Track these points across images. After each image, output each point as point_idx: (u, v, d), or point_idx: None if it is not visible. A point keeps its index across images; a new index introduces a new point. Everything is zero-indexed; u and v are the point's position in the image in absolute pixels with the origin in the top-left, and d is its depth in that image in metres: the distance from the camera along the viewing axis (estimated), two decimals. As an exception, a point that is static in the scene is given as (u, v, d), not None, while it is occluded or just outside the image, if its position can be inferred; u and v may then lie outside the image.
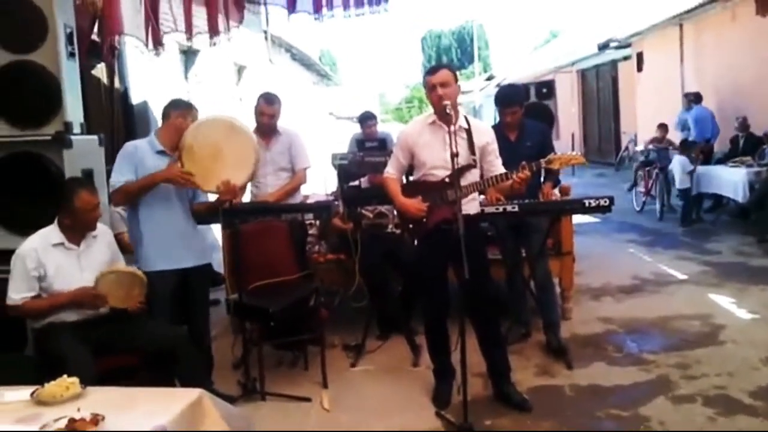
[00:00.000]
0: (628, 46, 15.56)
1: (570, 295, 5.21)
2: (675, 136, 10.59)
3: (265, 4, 5.21)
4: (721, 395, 3.75)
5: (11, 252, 3.35)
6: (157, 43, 5.21)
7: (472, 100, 31.29)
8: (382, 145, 6.81)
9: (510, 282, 4.73)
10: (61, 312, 3.33)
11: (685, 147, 9.61)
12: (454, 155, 3.35)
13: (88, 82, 5.48)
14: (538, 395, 3.86)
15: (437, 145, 3.61)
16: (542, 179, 4.70)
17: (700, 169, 9.22)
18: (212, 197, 3.98)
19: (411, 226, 3.83)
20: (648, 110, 14.49)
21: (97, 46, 5.39)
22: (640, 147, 11.29)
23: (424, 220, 3.67)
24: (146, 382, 3.23)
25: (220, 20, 5.10)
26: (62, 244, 3.36)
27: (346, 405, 3.88)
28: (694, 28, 12.56)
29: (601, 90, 19.10)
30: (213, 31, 5.09)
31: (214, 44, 5.23)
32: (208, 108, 7.23)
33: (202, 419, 2.47)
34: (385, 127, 12.38)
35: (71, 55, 4.01)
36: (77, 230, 3.41)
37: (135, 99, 7.28)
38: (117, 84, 6.93)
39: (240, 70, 11.91)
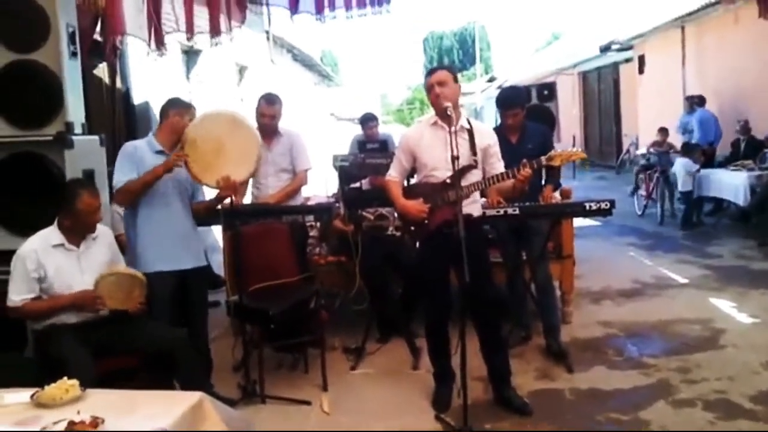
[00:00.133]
0: (630, 48, 15.56)
1: (570, 299, 5.20)
2: (676, 140, 10.58)
3: (267, 4, 5.21)
4: (721, 399, 3.74)
5: (12, 253, 3.34)
6: (160, 44, 5.21)
7: (474, 101, 31.29)
8: (383, 147, 6.79)
9: (510, 285, 4.72)
10: (62, 314, 3.32)
11: (687, 150, 9.61)
12: (455, 157, 3.34)
13: (89, 82, 5.48)
14: (538, 399, 3.85)
15: (438, 145, 3.61)
16: (543, 182, 4.70)
17: (702, 172, 9.20)
18: (211, 194, 3.97)
19: (412, 228, 3.83)
20: (649, 113, 14.48)
21: (99, 45, 5.38)
22: (641, 150, 11.27)
23: (426, 221, 3.67)
24: (146, 383, 3.23)
25: (222, 20, 5.11)
26: (62, 245, 3.36)
27: (345, 408, 3.88)
28: (696, 31, 12.55)
29: (603, 92, 19.09)
30: (215, 31, 5.10)
31: (216, 44, 5.23)
32: (210, 108, 7.23)
33: (202, 422, 2.47)
34: (387, 128, 12.38)
35: (73, 54, 4.02)
36: (77, 232, 3.40)
37: (137, 99, 7.27)
38: (119, 84, 6.92)
39: (241, 70, 11.90)
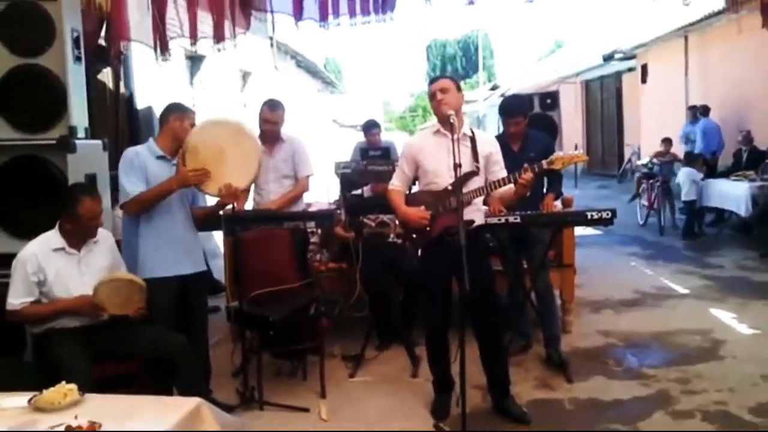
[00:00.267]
0: (633, 57, 15.58)
1: (571, 308, 5.19)
2: (678, 149, 10.59)
3: (271, 11, 5.22)
4: (721, 411, 3.73)
5: (13, 256, 3.34)
6: (164, 49, 5.22)
7: (477, 109, 31.31)
8: (386, 154, 6.77)
9: (511, 293, 4.72)
10: (61, 318, 3.32)
11: (689, 159, 9.61)
12: (457, 165, 3.35)
13: (93, 86, 5.50)
14: (537, 408, 3.84)
15: (441, 153, 3.62)
16: (545, 190, 4.70)
17: (704, 182, 9.21)
18: (211, 201, 3.98)
19: (414, 235, 3.83)
20: (652, 122, 14.49)
21: (104, 50, 5.41)
22: (644, 160, 11.27)
23: (428, 229, 3.67)
24: (144, 389, 3.23)
25: (227, 26, 5.11)
26: (63, 248, 3.36)
27: (344, 415, 3.87)
28: (699, 41, 12.56)
29: (605, 101, 19.11)
30: (219, 37, 5.11)
31: (220, 50, 5.24)
32: (213, 114, 7.24)
33: (199, 428, 2.46)
34: (389, 135, 12.40)
35: (77, 59, 4.03)
36: (78, 236, 3.40)
37: (140, 104, 7.29)
38: (122, 89, 6.95)
39: (245, 76, 11.94)
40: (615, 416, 3.74)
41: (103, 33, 5.38)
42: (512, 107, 4.58)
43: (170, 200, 3.81)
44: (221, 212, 3.99)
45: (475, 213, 3.71)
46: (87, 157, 4.02)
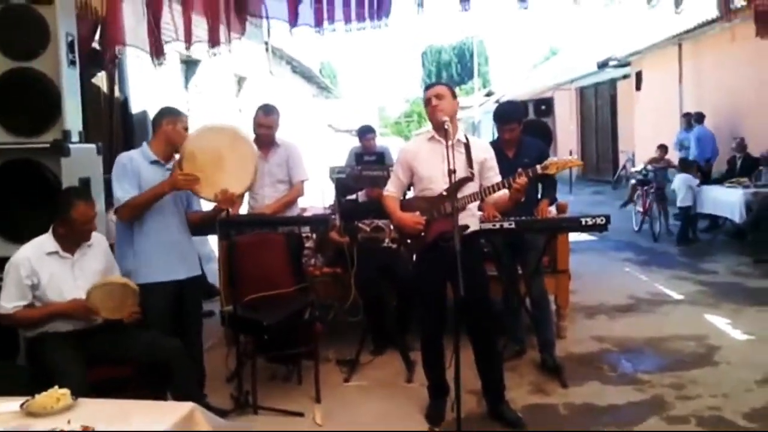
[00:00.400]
0: (628, 64, 15.66)
1: (565, 313, 5.19)
2: (673, 156, 10.64)
3: (267, 17, 5.22)
4: (715, 416, 3.74)
5: (6, 260, 3.33)
6: (160, 53, 5.22)
7: (472, 115, 31.38)
8: (381, 159, 6.78)
9: (506, 299, 4.72)
10: (54, 322, 3.30)
11: (684, 166, 9.66)
12: (452, 170, 3.35)
13: (87, 90, 5.49)
14: (532, 413, 3.84)
15: (435, 159, 3.62)
16: (539, 196, 4.71)
17: (698, 188, 9.25)
18: (207, 206, 3.97)
19: (409, 241, 3.83)
20: (646, 129, 14.55)
21: (98, 53, 5.39)
22: (638, 167, 11.32)
23: (422, 234, 3.67)
24: (138, 393, 3.21)
25: (222, 31, 5.12)
26: (57, 252, 3.35)
27: (338, 420, 3.86)
28: (693, 49, 12.64)
29: (600, 108, 19.20)
30: (214, 41, 5.11)
31: (215, 55, 5.24)
32: (208, 119, 7.24)
33: (193, 432, 2.46)
34: (384, 141, 12.41)
35: (72, 63, 4.02)
36: (72, 240, 3.39)
37: (134, 108, 7.28)
38: (117, 93, 6.93)
39: (240, 81, 11.94)
40: (610, 421, 3.74)
41: (97, 37, 5.37)
42: (507, 114, 4.59)
43: (164, 205, 3.79)
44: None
45: (470, 218, 3.71)
46: (81, 161, 4.01)
